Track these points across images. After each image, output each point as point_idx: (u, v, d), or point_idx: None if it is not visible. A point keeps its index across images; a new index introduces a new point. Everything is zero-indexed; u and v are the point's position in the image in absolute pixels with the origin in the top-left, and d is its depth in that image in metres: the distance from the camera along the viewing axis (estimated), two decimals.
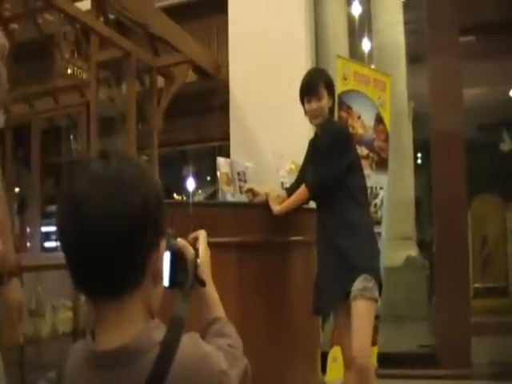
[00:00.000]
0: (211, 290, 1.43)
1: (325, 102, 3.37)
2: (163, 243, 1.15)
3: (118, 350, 1.06)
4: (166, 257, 1.23)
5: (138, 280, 1.09)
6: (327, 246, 3.30)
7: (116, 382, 1.06)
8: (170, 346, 1.06)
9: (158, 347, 1.05)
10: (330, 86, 3.42)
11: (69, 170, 1.11)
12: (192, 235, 1.48)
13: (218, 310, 1.42)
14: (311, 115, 3.40)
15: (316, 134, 3.47)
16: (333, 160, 3.25)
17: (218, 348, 1.19)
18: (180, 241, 1.35)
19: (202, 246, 1.44)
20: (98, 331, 1.11)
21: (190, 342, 1.10)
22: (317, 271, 3.41)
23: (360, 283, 3.10)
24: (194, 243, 1.43)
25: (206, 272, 1.42)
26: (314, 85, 3.37)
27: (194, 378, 1.07)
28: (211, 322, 1.39)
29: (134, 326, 1.09)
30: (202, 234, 1.48)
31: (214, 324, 1.38)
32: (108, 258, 1.03)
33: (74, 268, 1.08)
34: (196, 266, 1.36)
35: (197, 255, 1.39)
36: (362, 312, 3.10)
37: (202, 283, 1.39)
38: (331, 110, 3.48)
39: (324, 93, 3.36)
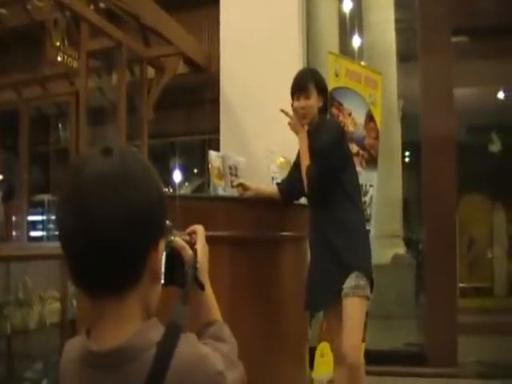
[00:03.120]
0: (208, 291, 1.39)
1: (313, 101, 3.33)
2: (163, 242, 1.14)
3: (115, 350, 1.05)
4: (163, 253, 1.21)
5: (137, 278, 1.08)
6: (320, 244, 3.28)
7: (113, 382, 1.05)
8: (166, 349, 1.04)
9: (154, 347, 1.04)
10: (320, 86, 3.39)
11: (72, 165, 1.10)
12: (188, 230, 1.43)
13: (215, 313, 1.39)
14: (299, 114, 3.36)
15: (308, 132, 3.44)
16: (326, 157, 3.23)
17: (214, 349, 1.17)
18: (178, 241, 1.31)
19: (200, 244, 1.38)
20: (95, 330, 1.10)
21: (186, 343, 1.08)
22: (309, 268, 3.40)
23: (352, 281, 3.09)
24: (191, 241, 1.39)
25: (203, 272, 1.37)
26: (303, 83, 3.35)
27: (191, 380, 1.05)
28: (208, 324, 1.35)
29: (131, 325, 1.08)
30: (199, 230, 1.42)
31: (210, 326, 1.35)
32: (109, 255, 1.02)
33: (74, 265, 1.06)
34: (195, 269, 1.33)
35: (195, 255, 1.34)
36: (354, 310, 3.09)
37: (202, 287, 1.35)
38: (323, 110, 3.45)
39: (313, 92, 3.33)
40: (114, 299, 1.07)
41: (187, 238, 1.39)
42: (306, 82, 3.34)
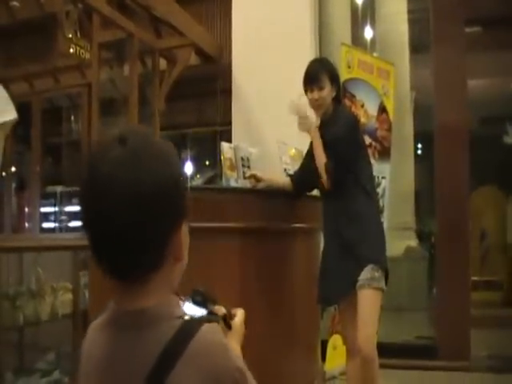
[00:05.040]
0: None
1: (327, 91, 3.32)
2: (184, 224, 1.15)
3: (140, 311, 1.08)
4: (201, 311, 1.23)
5: (160, 260, 1.10)
6: (335, 236, 3.26)
7: (135, 343, 1.08)
8: (188, 327, 1.06)
9: (177, 320, 1.07)
10: (333, 76, 3.37)
11: (90, 154, 1.13)
12: (233, 311, 1.40)
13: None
14: (313, 105, 3.37)
15: (321, 122, 3.41)
16: (340, 147, 3.20)
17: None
18: (217, 308, 1.31)
19: (239, 320, 1.37)
20: (121, 299, 1.12)
21: (210, 329, 1.09)
22: (322, 260, 3.38)
23: (367, 273, 3.08)
24: (230, 315, 1.36)
25: (236, 337, 1.33)
26: (316, 74, 3.33)
27: (207, 364, 1.05)
28: None
29: (157, 296, 1.11)
30: (241, 313, 1.40)
31: None
32: (128, 240, 1.05)
33: (97, 252, 1.09)
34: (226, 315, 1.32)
35: (229, 326, 1.33)
36: (369, 302, 3.08)
37: (229, 326, 1.33)
38: (337, 99, 3.42)
39: (326, 82, 3.31)
40: (139, 282, 1.10)
41: (225, 311, 1.37)
42: (319, 74, 3.32)
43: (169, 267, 1.12)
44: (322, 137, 3.33)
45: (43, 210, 7.95)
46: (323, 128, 3.35)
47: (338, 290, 3.24)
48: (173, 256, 1.12)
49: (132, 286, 1.10)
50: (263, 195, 3.47)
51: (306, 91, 3.39)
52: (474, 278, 8.32)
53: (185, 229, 1.15)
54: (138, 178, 1.03)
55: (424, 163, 11.28)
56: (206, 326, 1.08)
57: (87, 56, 5.34)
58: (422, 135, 10.10)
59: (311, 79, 3.34)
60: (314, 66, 3.42)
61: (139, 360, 1.06)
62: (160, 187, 1.06)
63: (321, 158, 3.24)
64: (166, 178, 1.08)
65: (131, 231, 1.04)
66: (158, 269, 1.10)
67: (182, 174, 1.14)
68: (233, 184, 3.64)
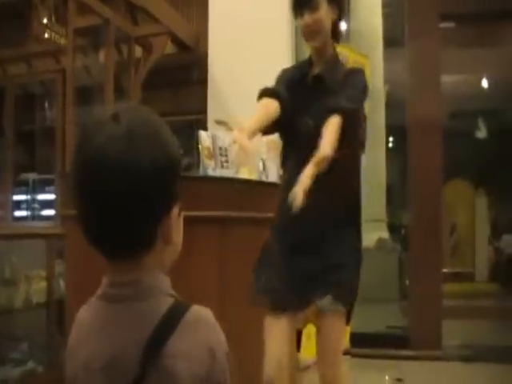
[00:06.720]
0: None
1: (323, 13, 2.46)
2: (175, 208, 1.13)
3: (136, 281, 1.09)
4: None
5: (150, 241, 1.10)
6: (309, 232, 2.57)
7: (131, 312, 1.08)
8: (183, 303, 1.09)
9: (171, 298, 1.09)
10: None
11: (83, 130, 1.11)
12: None
13: None
14: (306, 32, 2.52)
15: (310, 61, 2.62)
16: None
17: None
18: None
19: None
20: (115, 273, 1.12)
21: (203, 308, 1.12)
22: (284, 253, 2.66)
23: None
24: None
25: None
26: None
27: (204, 332, 1.08)
28: None
29: (150, 273, 1.11)
30: None
31: None
32: (117, 219, 1.04)
33: (86, 227, 1.09)
34: None
35: None
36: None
37: None
38: (336, 30, 2.60)
39: (322, 1, 2.46)
40: (130, 260, 1.10)
41: None
42: None
43: (160, 249, 1.12)
44: (320, 95, 2.49)
45: (15, 198, 7.84)
46: (324, 83, 2.55)
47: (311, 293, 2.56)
48: (163, 238, 1.11)
49: (125, 263, 1.10)
50: (242, 184, 3.47)
51: (295, 17, 2.55)
52: (444, 270, 8.47)
53: (176, 212, 1.13)
54: (131, 157, 1.02)
55: (395, 156, 11.39)
56: (197, 306, 1.11)
57: (62, 41, 5.27)
58: (394, 128, 10.20)
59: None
60: None
61: (136, 328, 1.06)
62: (153, 168, 1.04)
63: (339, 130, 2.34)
64: (160, 159, 1.06)
65: (118, 210, 1.03)
66: (148, 249, 1.09)
67: (177, 156, 1.12)
68: (210, 173, 3.63)
